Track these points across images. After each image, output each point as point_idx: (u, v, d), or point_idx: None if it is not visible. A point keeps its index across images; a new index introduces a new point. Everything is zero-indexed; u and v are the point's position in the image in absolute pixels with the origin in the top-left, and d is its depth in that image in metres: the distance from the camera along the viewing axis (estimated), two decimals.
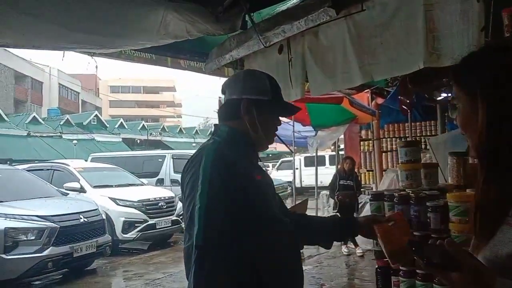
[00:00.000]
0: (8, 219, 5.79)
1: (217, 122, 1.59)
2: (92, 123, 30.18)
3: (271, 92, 1.51)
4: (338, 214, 7.04)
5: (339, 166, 8.03)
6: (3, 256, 5.53)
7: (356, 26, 2.81)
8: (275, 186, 1.61)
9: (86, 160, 12.56)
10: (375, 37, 2.71)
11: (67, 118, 27.98)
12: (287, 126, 8.64)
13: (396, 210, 1.78)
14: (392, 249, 1.40)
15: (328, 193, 7.87)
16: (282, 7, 3.43)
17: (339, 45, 2.98)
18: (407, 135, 8.37)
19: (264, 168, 1.68)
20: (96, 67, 3.74)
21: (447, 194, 1.67)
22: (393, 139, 8.84)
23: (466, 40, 2.20)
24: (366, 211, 6.94)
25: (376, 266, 2.05)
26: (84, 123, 29.12)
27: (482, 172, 0.91)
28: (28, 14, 2.52)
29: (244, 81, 1.52)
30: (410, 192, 1.91)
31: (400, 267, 1.85)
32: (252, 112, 1.47)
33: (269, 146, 1.60)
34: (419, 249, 0.85)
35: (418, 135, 8.10)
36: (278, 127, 1.58)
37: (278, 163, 21.43)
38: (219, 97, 7.44)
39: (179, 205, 8.72)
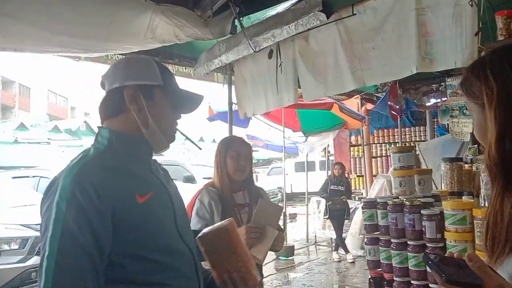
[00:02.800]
0: None
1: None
2: (81, 129, 29.82)
3: (162, 78, 1.24)
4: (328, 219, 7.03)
5: (329, 172, 8.01)
6: None
7: (347, 30, 2.78)
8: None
9: None
10: (366, 42, 2.68)
11: (56, 124, 27.62)
12: (277, 132, 8.57)
13: (390, 219, 1.73)
14: None
15: (317, 199, 7.82)
16: (272, 11, 3.39)
17: (330, 50, 2.94)
18: (396, 141, 8.39)
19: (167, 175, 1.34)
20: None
21: (443, 202, 1.61)
22: (383, 144, 8.88)
23: (459, 44, 2.17)
24: (357, 216, 6.92)
25: (369, 277, 1.99)
26: (73, 129, 28.75)
27: (494, 188, 0.83)
28: (10, 16, 2.44)
29: (126, 67, 1.25)
30: (404, 199, 1.84)
31: (394, 278, 1.79)
32: (140, 99, 1.19)
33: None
34: (435, 263, 0.75)
35: (408, 140, 8.13)
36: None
37: (268, 169, 21.35)
38: (209, 103, 7.38)
39: None
